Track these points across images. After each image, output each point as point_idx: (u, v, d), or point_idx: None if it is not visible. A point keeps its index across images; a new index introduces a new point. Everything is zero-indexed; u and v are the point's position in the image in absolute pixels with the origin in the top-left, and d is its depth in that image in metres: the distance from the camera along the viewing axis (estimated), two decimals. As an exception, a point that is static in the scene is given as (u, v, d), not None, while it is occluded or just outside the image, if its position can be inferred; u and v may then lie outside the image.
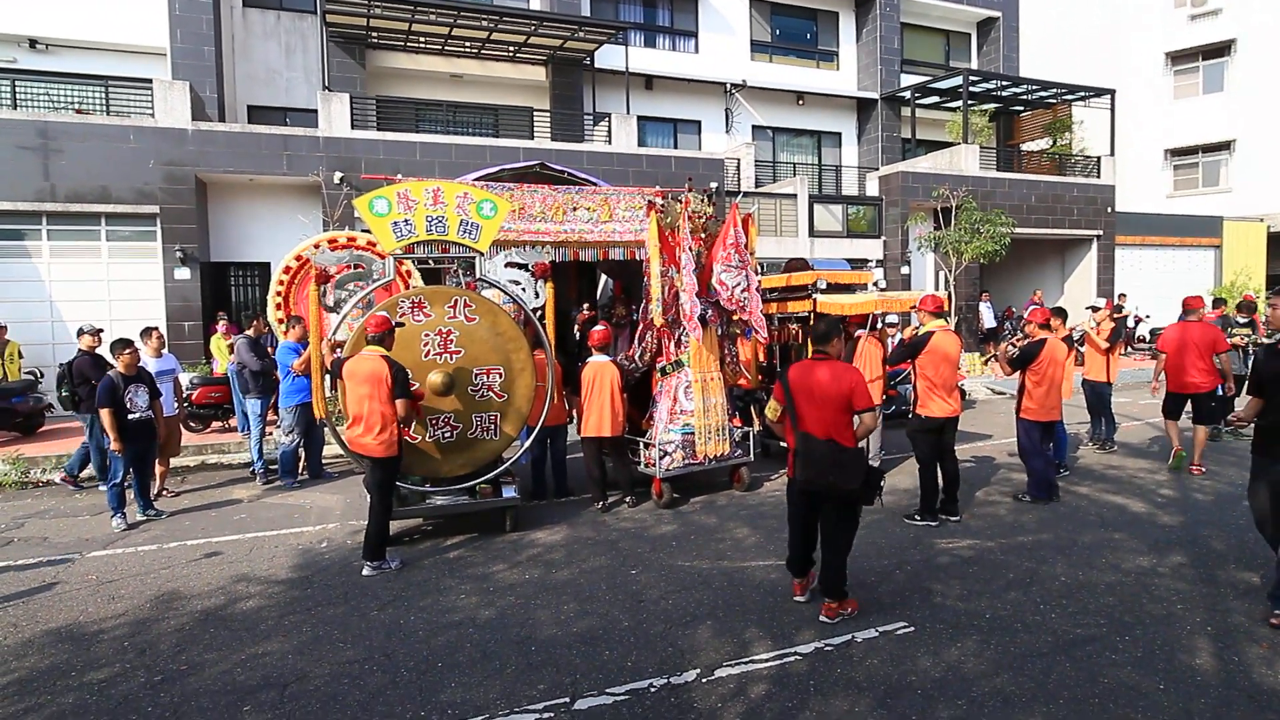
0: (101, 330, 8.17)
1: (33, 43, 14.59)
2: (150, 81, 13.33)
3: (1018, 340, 8.01)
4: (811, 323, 8.28)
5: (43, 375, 11.83)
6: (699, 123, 20.29)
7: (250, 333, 9.04)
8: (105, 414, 6.69)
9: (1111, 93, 21.56)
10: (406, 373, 5.79)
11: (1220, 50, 25.06)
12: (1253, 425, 4.75)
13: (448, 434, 6.50)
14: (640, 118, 18.26)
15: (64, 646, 4.46)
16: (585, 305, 11.04)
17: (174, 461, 8.55)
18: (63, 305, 12.44)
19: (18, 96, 13.22)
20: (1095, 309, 9.73)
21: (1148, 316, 20.81)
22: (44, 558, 6.12)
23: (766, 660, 4.12)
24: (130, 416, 6.87)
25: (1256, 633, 4.31)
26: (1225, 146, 25.19)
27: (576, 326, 10.06)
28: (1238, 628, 4.38)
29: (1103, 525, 6.38)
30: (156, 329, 8.31)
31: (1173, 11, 25.75)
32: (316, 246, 9.16)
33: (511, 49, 16.99)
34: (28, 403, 10.58)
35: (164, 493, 8.03)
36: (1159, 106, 26.20)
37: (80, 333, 7.97)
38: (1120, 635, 4.33)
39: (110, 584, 5.50)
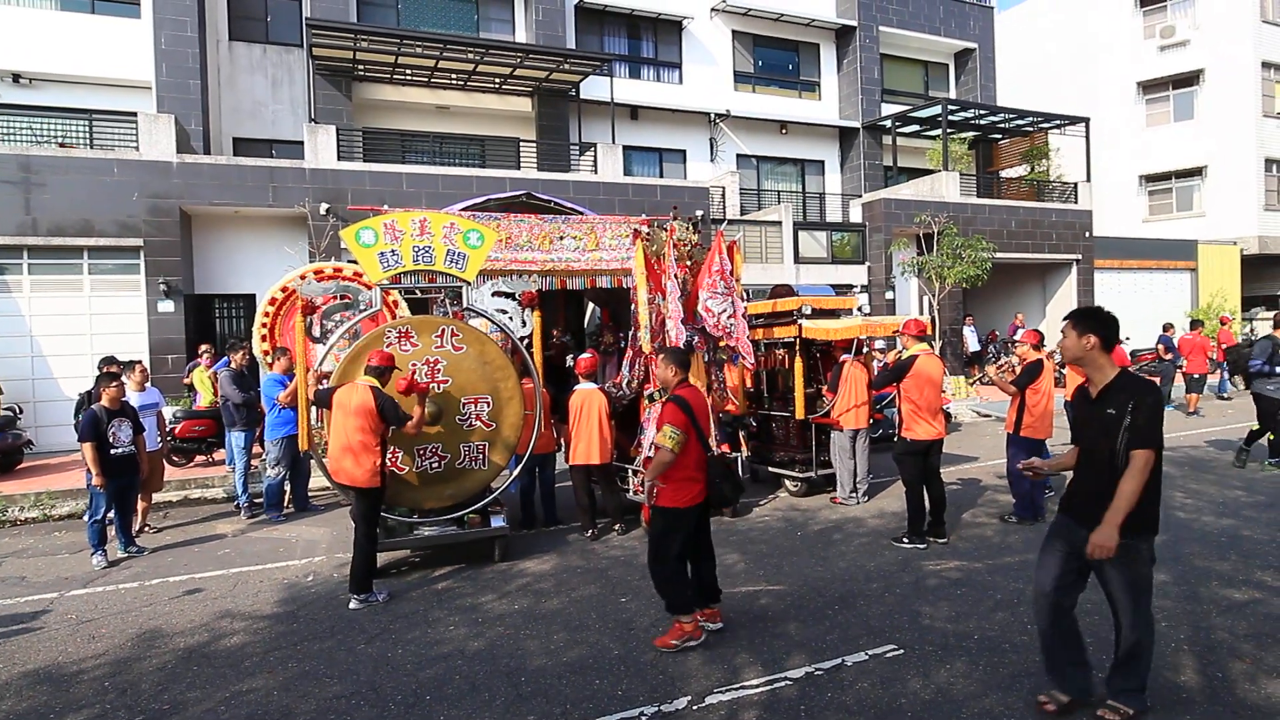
0: (127, 363, 8.16)
1: (16, 77, 14.62)
2: (135, 115, 13.36)
3: (1004, 363, 8.14)
4: (797, 348, 8.35)
5: (22, 411, 11.70)
6: (684, 152, 20.54)
7: (233, 365, 8.98)
8: (88, 448, 6.63)
9: (1086, 121, 22.04)
10: (395, 403, 5.79)
11: (1190, 80, 25.71)
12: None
13: (435, 464, 6.48)
14: (626, 147, 18.46)
15: (43, 688, 4.38)
16: (555, 332, 11.03)
17: (156, 496, 8.44)
18: (43, 340, 12.33)
19: (1, 131, 13.21)
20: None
21: (1127, 338, 21.07)
22: (22, 597, 6.02)
23: (757, 686, 4.10)
24: (113, 451, 6.80)
25: (1240, 649, 4.34)
26: (1198, 172, 25.74)
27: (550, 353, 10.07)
28: (1221, 644, 4.41)
29: (1088, 546, 6.41)
30: (140, 363, 8.27)
31: (1143, 42, 26.44)
32: (303, 277, 9.16)
33: (497, 80, 17.19)
34: (6, 439, 10.45)
35: (146, 529, 7.92)
36: (1132, 134, 26.78)
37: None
38: (1106, 653, 4.32)
39: (90, 623, 5.41)
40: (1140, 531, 3.49)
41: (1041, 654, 3.82)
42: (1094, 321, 3.57)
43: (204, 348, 11.69)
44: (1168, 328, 15.64)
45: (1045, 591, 3.72)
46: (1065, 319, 3.69)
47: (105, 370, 7.85)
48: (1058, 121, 22.13)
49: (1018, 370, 7.49)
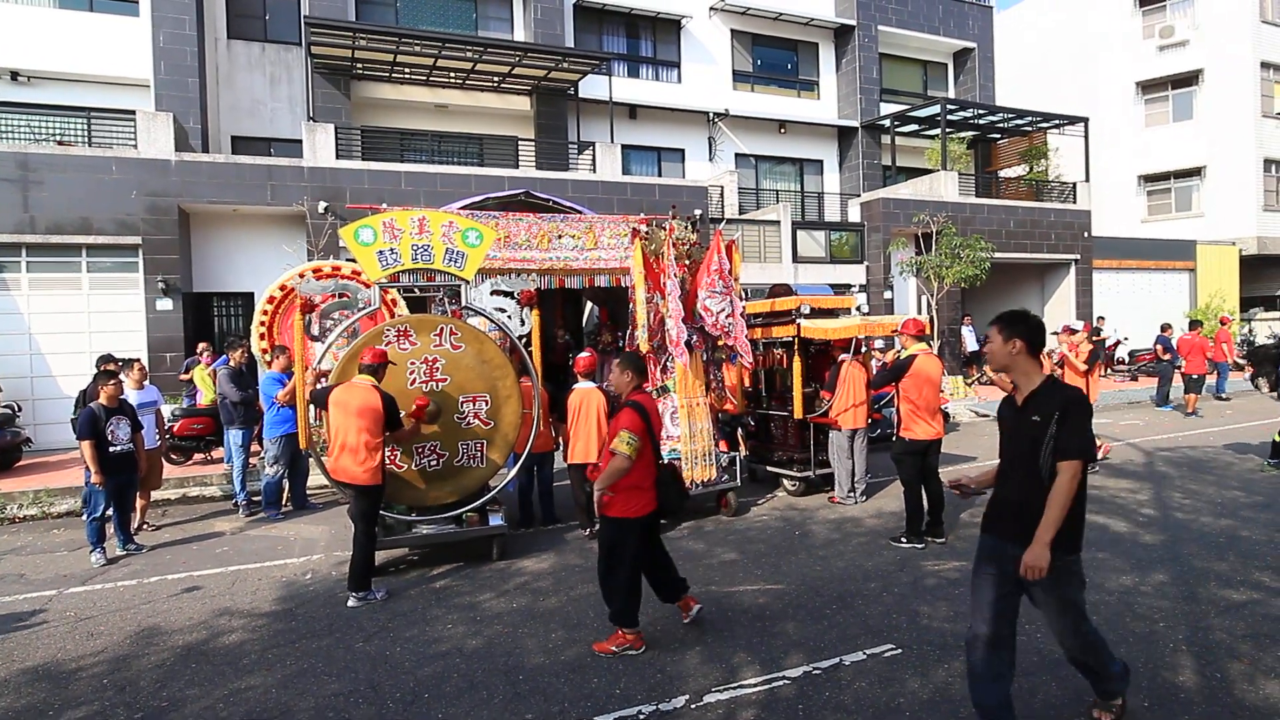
0: (125, 361, 8.16)
1: (14, 75, 14.58)
2: (133, 113, 13.34)
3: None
4: (795, 347, 8.35)
5: (20, 409, 11.69)
6: (683, 151, 20.54)
7: (232, 363, 8.97)
8: (86, 446, 6.62)
9: (1085, 120, 22.06)
10: (397, 404, 5.80)
11: (1189, 80, 25.74)
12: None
13: (434, 462, 6.48)
14: (624, 146, 18.46)
15: (41, 685, 4.38)
16: (558, 333, 11.00)
17: (155, 494, 8.44)
18: (42, 338, 12.32)
19: (-1, 129, 13.21)
20: (1073, 331, 9.88)
21: (1126, 339, 21.12)
22: (21, 594, 6.02)
23: (755, 685, 4.11)
24: (111, 449, 6.80)
25: (1238, 649, 4.35)
26: (1196, 172, 25.77)
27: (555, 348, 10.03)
28: (1220, 645, 4.42)
29: (1085, 545, 6.41)
30: (138, 361, 8.26)
31: (1142, 43, 26.46)
32: (301, 276, 9.16)
33: (496, 79, 17.18)
34: (5, 437, 10.44)
35: (144, 526, 7.92)
36: (1131, 134, 26.80)
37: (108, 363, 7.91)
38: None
39: (89, 620, 5.41)
40: (1071, 548, 3.27)
41: (972, 692, 3.42)
42: (1021, 325, 3.36)
43: (202, 346, 11.68)
44: (1166, 328, 15.67)
45: (982, 634, 3.33)
46: (991, 323, 3.48)
47: (103, 369, 7.84)
48: (1056, 121, 22.15)
49: None
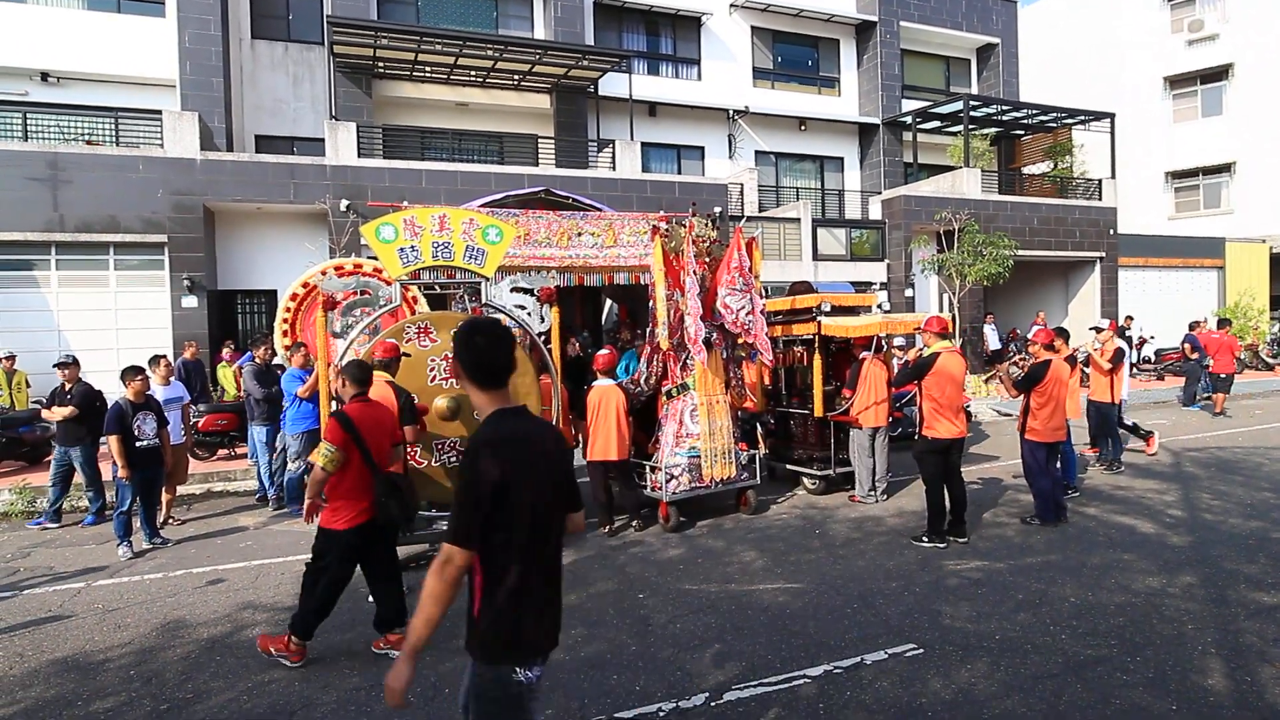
0: (153, 358, 8.26)
1: (44, 76, 14.84)
2: (159, 113, 13.52)
3: (1020, 360, 8.01)
4: (816, 345, 8.30)
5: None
6: (702, 148, 20.48)
7: (256, 360, 9.07)
8: (113, 441, 6.73)
9: (1111, 116, 21.72)
10: (413, 398, 5.82)
11: (1218, 74, 25.29)
12: None
13: (453, 458, 6.50)
14: (644, 144, 18.45)
15: (70, 676, 4.45)
16: (571, 339, 10.93)
17: (180, 489, 8.55)
18: (70, 334, 12.52)
19: (29, 128, 13.42)
20: (1099, 329, 9.74)
21: (1152, 337, 20.80)
22: (50, 587, 6.12)
23: (775, 684, 4.09)
24: (138, 444, 6.91)
25: (1269, 653, 4.27)
26: (1226, 169, 25.32)
27: (568, 354, 9.97)
28: (1250, 648, 4.34)
29: (1111, 546, 6.34)
30: (165, 357, 8.36)
31: (1170, 37, 26.04)
32: (323, 273, 9.21)
33: (516, 77, 17.22)
34: (34, 432, 10.61)
35: (170, 521, 8.03)
36: (1159, 130, 26.39)
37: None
38: (1131, 656, 4.29)
39: (116, 612, 5.49)
40: (492, 655, 2.33)
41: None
42: (458, 345, 2.45)
43: (227, 344, 11.82)
44: (1194, 326, 15.41)
45: None
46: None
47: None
48: (1082, 117, 21.82)
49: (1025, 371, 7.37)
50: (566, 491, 2.50)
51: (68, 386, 8.07)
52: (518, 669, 2.31)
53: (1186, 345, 15.02)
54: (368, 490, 4.47)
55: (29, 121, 13.47)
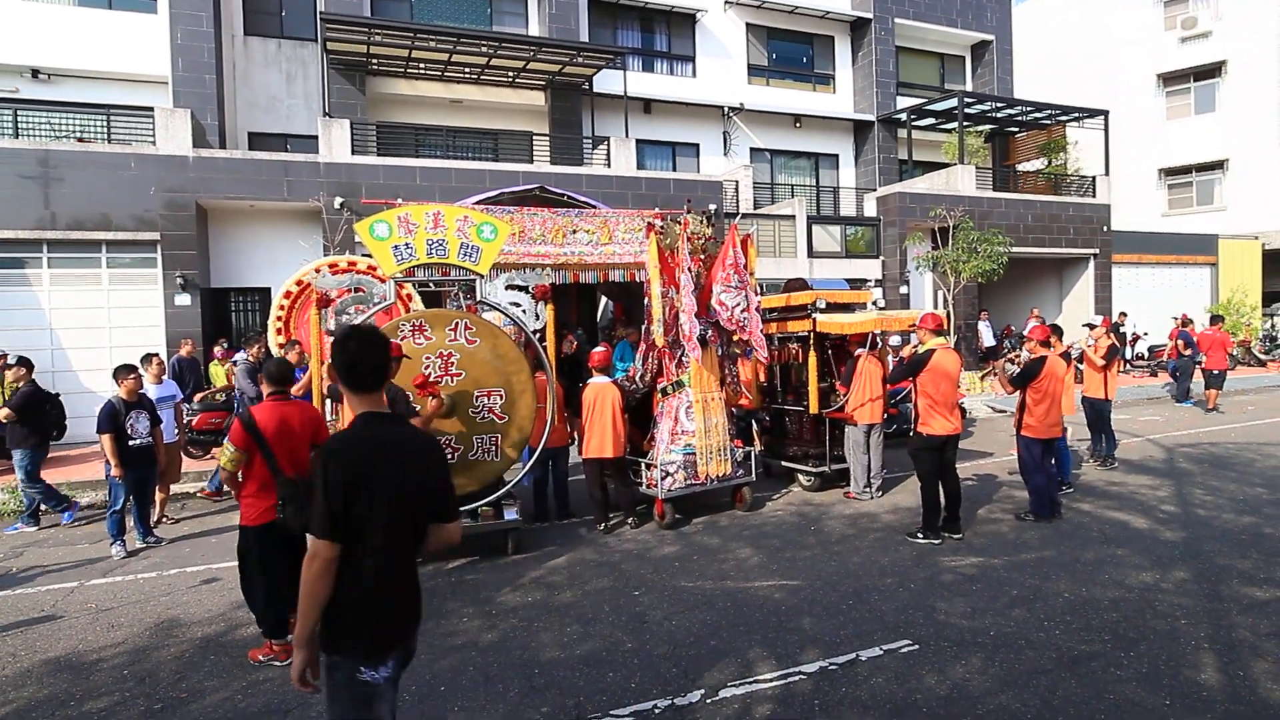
0: (145, 356, 8.16)
1: (35, 73, 14.74)
2: (152, 110, 13.46)
3: (1015, 357, 8.03)
4: (811, 342, 8.30)
5: (43, 402, 11.84)
6: (697, 145, 20.47)
7: (249, 358, 9.03)
8: (106, 440, 6.69)
9: (1105, 114, 21.77)
10: (406, 395, 5.80)
11: (1211, 72, 25.37)
12: None
13: (449, 456, 6.49)
14: (639, 141, 18.42)
15: (63, 676, 4.43)
16: (569, 335, 10.91)
17: (174, 488, 8.52)
18: (63, 333, 12.46)
19: (20, 126, 13.35)
20: (1092, 326, 9.77)
21: (1145, 334, 20.88)
22: (43, 586, 6.09)
23: (771, 680, 4.09)
24: (131, 443, 6.87)
25: (1262, 647, 4.29)
26: (1218, 166, 25.41)
27: (566, 350, 9.97)
28: (1243, 642, 4.36)
29: (1105, 541, 6.36)
30: (157, 355, 8.31)
31: (1163, 34, 26.10)
32: (317, 271, 9.19)
33: (510, 74, 17.18)
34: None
35: (164, 519, 7.99)
36: (1152, 127, 26.46)
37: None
38: (1125, 651, 4.30)
39: (109, 612, 5.47)
40: (336, 647, 2.39)
41: None
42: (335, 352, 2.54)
43: (220, 342, 11.77)
44: (1187, 323, 15.47)
45: None
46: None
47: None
48: (1076, 114, 21.88)
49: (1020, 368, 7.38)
50: (437, 501, 2.55)
51: (19, 387, 8.01)
52: (362, 668, 2.36)
53: (1179, 342, 15.08)
54: (274, 491, 4.41)
55: (20, 119, 13.39)
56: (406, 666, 2.58)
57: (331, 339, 2.33)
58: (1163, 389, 16.12)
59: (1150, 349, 20.41)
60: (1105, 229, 21.25)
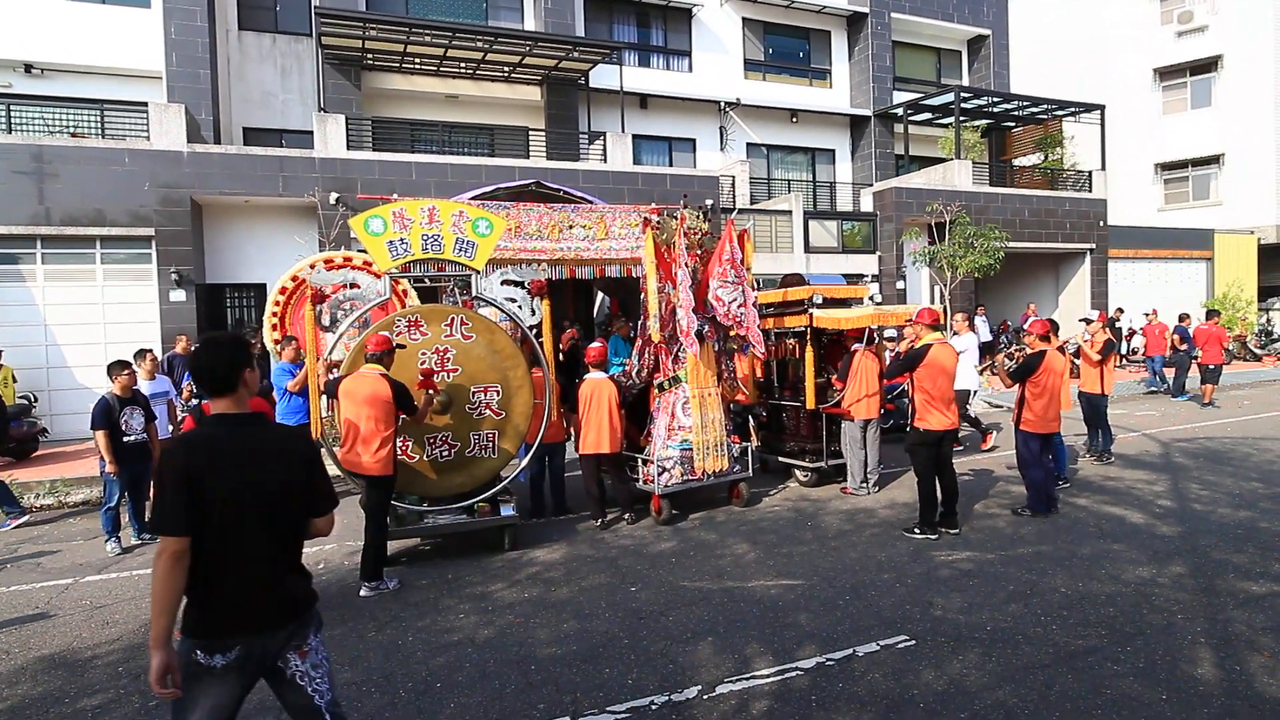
0: (138, 351, 8.09)
1: (28, 67, 14.64)
2: (146, 105, 13.38)
3: (1015, 352, 8.03)
4: (808, 337, 8.29)
5: (36, 399, 11.81)
6: (694, 141, 20.42)
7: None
8: (100, 436, 6.66)
9: (1101, 108, 21.76)
10: (407, 389, 5.79)
11: (1208, 66, 25.36)
12: None
13: (445, 452, 6.48)
14: (635, 136, 18.36)
15: (57, 673, 4.41)
16: (565, 324, 10.86)
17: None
18: (57, 329, 12.40)
19: (13, 121, 13.26)
20: (1088, 321, 9.78)
21: (1141, 329, 20.89)
22: (37, 583, 6.07)
23: (768, 676, 4.08)
24: (125, 439, 6.84)
25: (1258, 642, 4.29)
26: (1215, 160, 25.42)
27: (563, 347, 9.89)
28: (1239, 637, 4.36)
29: (1102, 536, 6.37)
30: (151, 351, 8.28)
31: (1160, 29, 26.08)
32: (313, 266, 9.15)
33: (506, 69, 17.11)
34: (22, 427, 10.54)
35: (159, 515, 7.95)
36: (1148, 121, 26.46)
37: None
38: (1122, 646, 4.31)
39: (104, 609, 5.44)
40: (183, 628, 2.53)
41: None
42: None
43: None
44: (1183, 318, 15.49)
45: None
46: None
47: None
48: (1072, 109, 21.86)
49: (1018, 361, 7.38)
50: (301, 496, 2.65)
51: None
52: (198, 651, 2.48)
53: (1176, 336, 15.10)
54: None
55: (13, 114, 13.31)
56: (275, 663, 2.60)
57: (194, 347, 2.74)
58: (1138, 384, 16.16)
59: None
60: (1101, 224, 21.26)
